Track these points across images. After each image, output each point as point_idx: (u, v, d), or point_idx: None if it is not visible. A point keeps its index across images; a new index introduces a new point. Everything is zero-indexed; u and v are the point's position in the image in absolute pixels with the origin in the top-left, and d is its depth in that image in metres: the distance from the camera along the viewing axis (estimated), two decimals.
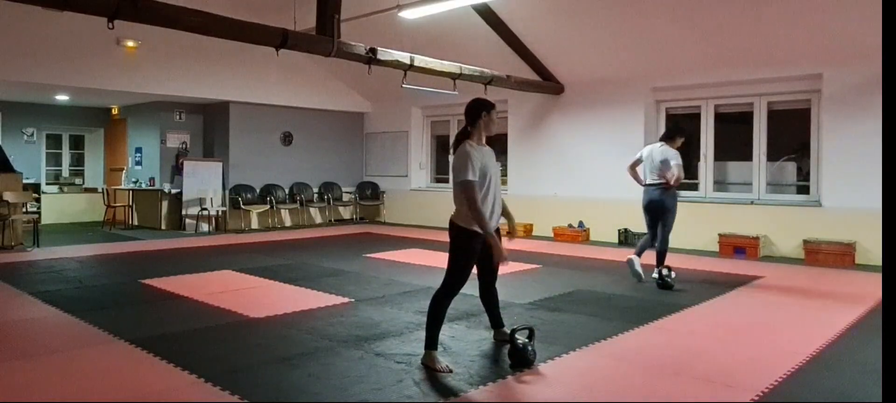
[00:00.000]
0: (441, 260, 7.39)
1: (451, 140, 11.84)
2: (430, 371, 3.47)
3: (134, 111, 12.00)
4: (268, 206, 11.50)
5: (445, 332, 4.06)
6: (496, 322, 4.07)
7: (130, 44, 9.52)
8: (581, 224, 9.83)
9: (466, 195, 3.48)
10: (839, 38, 7.33)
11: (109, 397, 3.13)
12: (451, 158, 3.74)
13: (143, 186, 11.40)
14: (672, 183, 6.09)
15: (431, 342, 3.60)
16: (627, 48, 8.73)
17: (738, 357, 3.83)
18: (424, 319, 4.60)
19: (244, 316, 4.76)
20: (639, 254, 6.43)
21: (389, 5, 7.73)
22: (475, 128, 3.67)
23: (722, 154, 9.02)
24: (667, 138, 6.32)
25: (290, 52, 6.83)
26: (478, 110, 3.67)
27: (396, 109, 12.54)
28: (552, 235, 9.97)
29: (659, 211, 6.24)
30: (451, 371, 3.45)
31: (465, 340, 4.11)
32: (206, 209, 10.78)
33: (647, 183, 6.29)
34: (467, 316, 4.69)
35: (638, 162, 6.45)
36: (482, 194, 3.54)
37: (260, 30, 6.36)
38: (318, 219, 12.46)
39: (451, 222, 3.63)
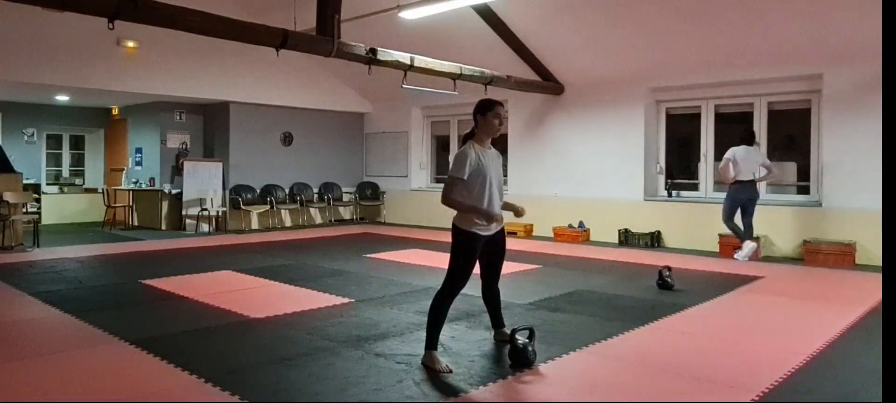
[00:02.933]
0: (441, 260, 7.41)
1: (453, 141, 11.85)
2: (431, 371, 3.47)
3: (134, 111, 11.99)
4: (268, 206, 11.50)
5: (445, 332, 4.05)
6: (497, 321, 4.06)
7: (130, 44, 9.52)
8: (581, 224, 9.83)
9: (445, 188, 3.55)
10: (839, 38, 7.33)
11: (109, 397, 3.12)
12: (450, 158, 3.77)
13: (144, 186, 11.40)
14: (768, 178, 7.72)
15: (432, 342, 3.59)
16: (627, 48, 8.73)
17: (739, 357, 3.83)
18: (425, 319, 4.60)
19: (244, 317, 4.76)
20: (751, 238, 7.53)
21: (389, 5, 7.73)
22: (478, 130, 3.68)
23: (722, 154, 9.00)
24: (754, 141, 7.63)
25: (290, 52, 6.83)
26: (474, 114, 3.70)
27: (396, 109, 12.53)
28: (552, 235, 9.97)
29: (753, 201, 7.53)
30: (451, 372, 3.45)
31: (466, 340, 4.11)
32: (206, 209, 10.78)
33: (748, 180, 7.43)
34: (467, 316, 4.69)
35: (729, 163, 7.50)
36: (475, 193, 3.56)
37: (260, 30, 6.36)
38: (319, 220, 12.46)
39: (452, 223, 3.65)
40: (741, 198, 7.45)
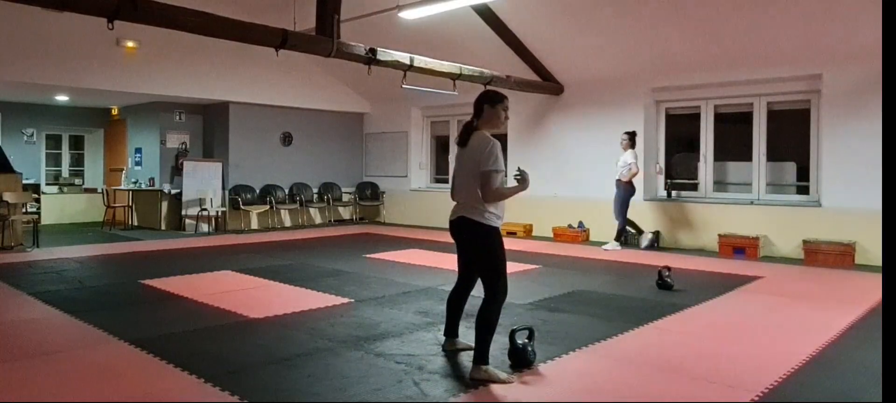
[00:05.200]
0: (441, 260, 7.43)
1: (452, 141, 11.81)
2: (491, 382, 3.28)
3: (134, 111, 11.99)
4: (267, 207, 11.50)
5: (443, 332, 4.04)
6: (452, 330, 3.88)
7: (130, 44, 9.52)
8: (581, 224, 9.83)
9: (493, 185, 3.34)
10: (839, 38, 7.33)
11: (109, 397, 3.12)
12: (455, 151, 3.64)
13: (143, 187, 11.39)
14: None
15: (483, 356, 3.34)
16: (627, 48, 8.73)
17: (738, 357, 3.83)
18: (425, 319, 4.61)
19: (244, 317, 4.76)
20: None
21: (389, 5, 7.73)
22: (481, 120, 3.55)
23: (722, 154, 9.03)
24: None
25: (290, 53, 6.83)
26: (480, 103, 3.56)
27: (396, 109, 12.54)
28: (552, 235, 9.97)
29: None
30: (512, 382, 3.32)
31: (464, 340, 4.10)
32: (205, 209, 10.78)
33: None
34: (467, 316, 4.67)
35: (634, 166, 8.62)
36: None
37: (260, 30, 6.35)
38: (318, 220, 12.46)
39: (466, 219, 3.44)
40: (630, 196, 8.72)
